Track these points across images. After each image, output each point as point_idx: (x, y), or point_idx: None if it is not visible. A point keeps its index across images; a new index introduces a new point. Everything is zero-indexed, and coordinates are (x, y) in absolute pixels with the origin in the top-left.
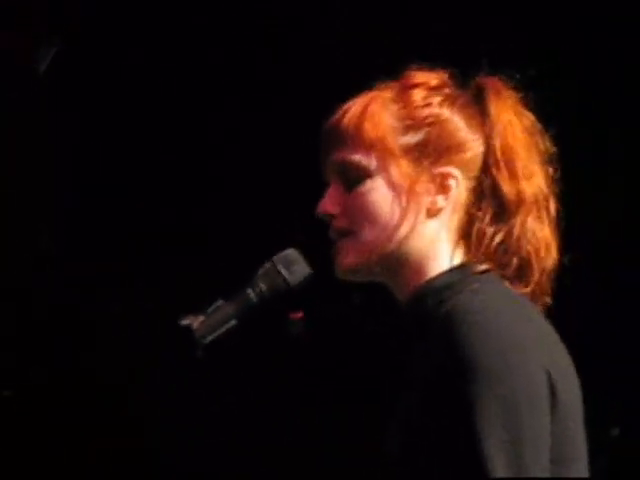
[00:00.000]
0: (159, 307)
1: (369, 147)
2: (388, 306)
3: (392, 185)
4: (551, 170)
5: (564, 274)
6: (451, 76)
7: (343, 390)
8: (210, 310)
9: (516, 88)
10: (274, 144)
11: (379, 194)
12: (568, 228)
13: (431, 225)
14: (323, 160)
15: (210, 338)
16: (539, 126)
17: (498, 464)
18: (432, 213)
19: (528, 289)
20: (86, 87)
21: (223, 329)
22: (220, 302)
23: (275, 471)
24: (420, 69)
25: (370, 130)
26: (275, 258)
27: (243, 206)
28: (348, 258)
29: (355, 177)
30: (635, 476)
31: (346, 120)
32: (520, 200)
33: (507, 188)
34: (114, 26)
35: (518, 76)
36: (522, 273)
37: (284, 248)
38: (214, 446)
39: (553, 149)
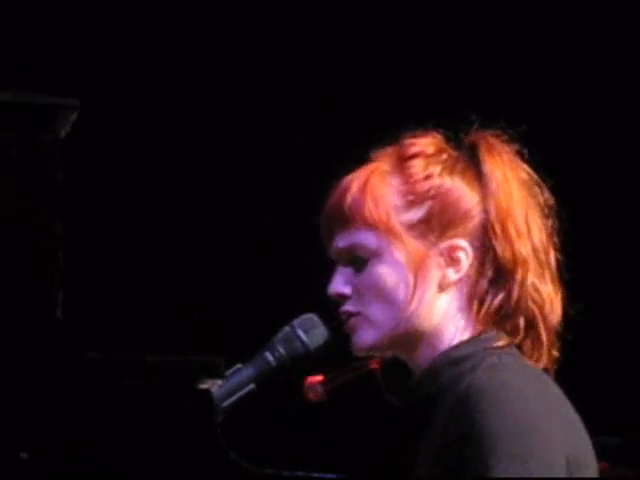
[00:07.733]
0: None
1: (373, 227)
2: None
3: (400, 263)
4: (550, 222)
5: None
6: (446, 138)
7: (361, 459)
8: (228, 374)
9: (510, 141)
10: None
11: (387, 273)
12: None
13: (443, 299)
14: (327, 239)
15: (229, 402)
16: (536, 178)
17: None
18: (443, 287)
19: (540, 353)
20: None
21: (242, 393)
22: (238, 366)
23: None
24: (414, 135)
25: (373, 210)
26: (294, 322)
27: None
28: (364, 338)
29: (362, 257)
30: None
31: (348, 200)
32: (515, 260)
33: (501, 249)
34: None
35: (510, 130)
36: (530, 335)
37: (303, 312)
38: None
39: (552, 201)
